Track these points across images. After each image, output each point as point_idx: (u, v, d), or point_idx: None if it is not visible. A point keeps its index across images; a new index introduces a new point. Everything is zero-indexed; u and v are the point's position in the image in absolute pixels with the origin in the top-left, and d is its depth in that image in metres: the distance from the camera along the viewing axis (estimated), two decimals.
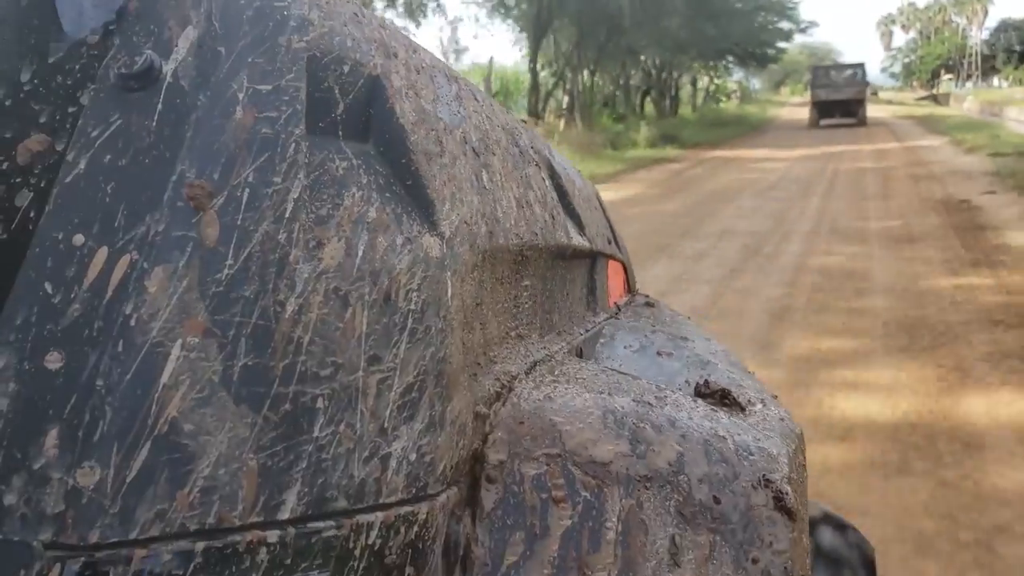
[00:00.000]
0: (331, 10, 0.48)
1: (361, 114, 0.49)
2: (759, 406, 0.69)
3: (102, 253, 0.38)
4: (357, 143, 0.48)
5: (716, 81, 39.59)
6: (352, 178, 0.46)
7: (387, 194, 0.48)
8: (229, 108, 0.41)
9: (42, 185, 0.41)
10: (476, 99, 0.67)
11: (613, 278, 1.11)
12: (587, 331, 0.88)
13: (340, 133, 0.47)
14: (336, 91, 0.47)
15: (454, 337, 0.50)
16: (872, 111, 31.63)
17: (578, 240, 0.84)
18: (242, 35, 0.43)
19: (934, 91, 58.52)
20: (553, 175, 0.84)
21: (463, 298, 0.52)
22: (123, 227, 0.38)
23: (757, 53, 30.84)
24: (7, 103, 0.43)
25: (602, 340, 0.92)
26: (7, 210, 0.41)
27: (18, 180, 0.41)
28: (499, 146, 0.67)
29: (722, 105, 39.92)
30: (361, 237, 0.45)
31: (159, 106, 0.41)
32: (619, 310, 1.09)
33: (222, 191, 0.40)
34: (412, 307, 0.46)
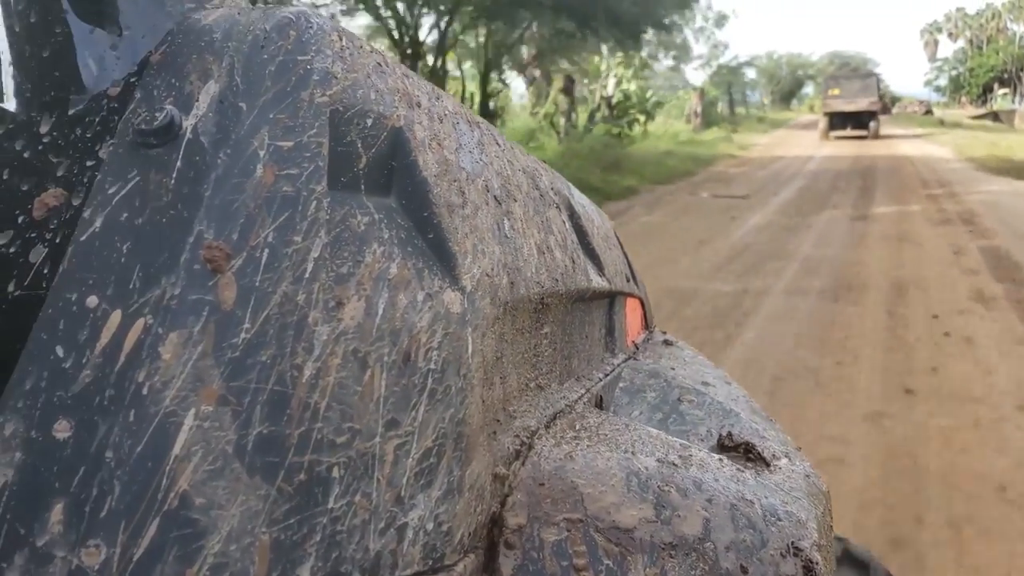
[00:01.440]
0: (354, 62, 0.49)
1: (383, 167, 0.49)
2: (784, 461, 0.69)
3: (116, 316, 0.38)
4: (379, 197, 0.49)
5: (626, 78, 20.85)
6: (373, 234, 0.46)
7: (408, 248, 0.48)
8: (250, 166, 0.42)
9: (57, 241, 0.42)
10: (498, 143, 0.68)
11: (631, 315, 1.11)
12: (606, 375, 0.88)
13: (362, 187, 0.47)
14: (359, 145, 0.47)
15: (474, 396, 0.50)
16: (925, 146, 23.30)
17: (598, 281, 0.84)
18: (264, 90, 0.44)
19: (991, 107, 49.73)
20: (573, 215, 0.84)
21: (484, 354, 0.52)
22: (138, 289, 0.39)
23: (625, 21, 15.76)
24: (25, 155, 0.44)
25: (622, 384, 0.92)
26: (21, 266, 0.42)
27: (33, 235, 0.42)
28: (520, 191, 0.68)
29: (648, 133, 22.21)
30: (382, 295, 0.45)
31: (178, 163, 0.41)
32: (637, 349, 1.09)
33: (241, 252, 0.40)
34: (432, 367, 0.46)
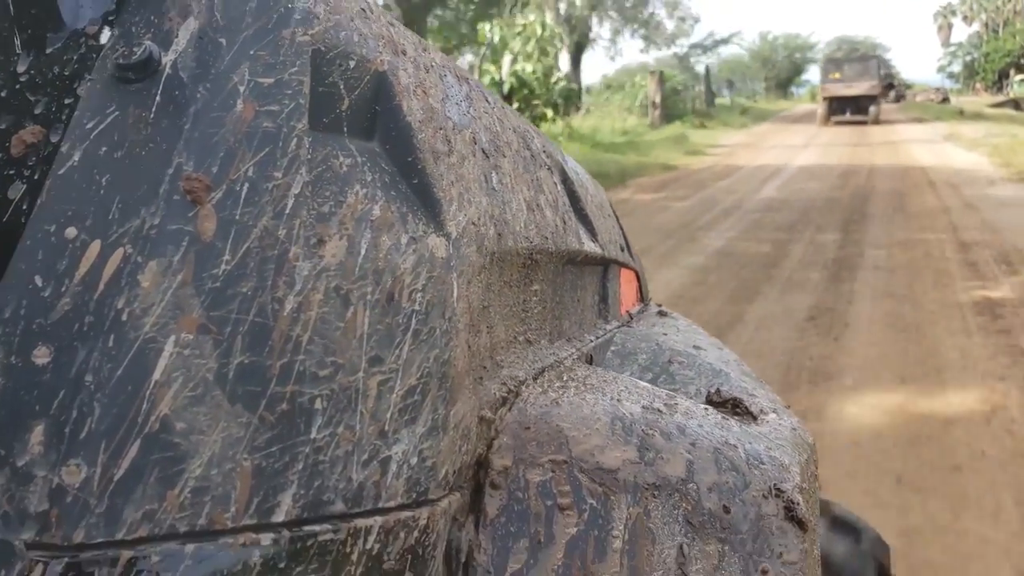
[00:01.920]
0: (338, 5, 0.50)
1: (367, 111, 0.50)
2: (771, 415, 0.70)
3: (95, 246, 0.39)
4: (362, 140, 0.49)
5: (525, 56, 15.44)
6: (356, 175, 0.47)
7: (392, 192, 0.49)
8: (229, 101, 0.42)
9: (35, 177, 0.43)
10: (487, 101, 0.69)
11: (626, 287, 1.13)
12: (598, 338, 0.88)
13: (345, 130, 0.48)
14: (341, 87, 0.48)
15: (459, 339, 0.50)
16: (947, 149, 16.83)
17: (590, 246, 0.85)
18: (244, 27, 0.45)
19: (1009, 94, 44.92)
20: (565, 180, 0.85)
21: (469, 300, 0.53)
22: (117, 220, 0.39)
23: None
24: (2, 94, 0.44)
25: (613, 348, 0.93)
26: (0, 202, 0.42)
27: (11, 172, 0.43)
28: (510, 148, 0.68)
29: (574, 131, 16.94)
30: (364, 235, 0.46)
31: (157, 98, 0.42)
32: (631, 318, 1.10)
33: (220, 185, 0.41)
34: (416, 308, 0.47)
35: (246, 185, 0.41)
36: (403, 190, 0.50)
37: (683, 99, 29.61)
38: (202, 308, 0.39)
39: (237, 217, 0.41)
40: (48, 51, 0.44)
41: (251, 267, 0.41)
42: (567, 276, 0.81)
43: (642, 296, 1.25)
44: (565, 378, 0.65)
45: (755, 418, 0.68)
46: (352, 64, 0.49)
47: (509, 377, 0.60)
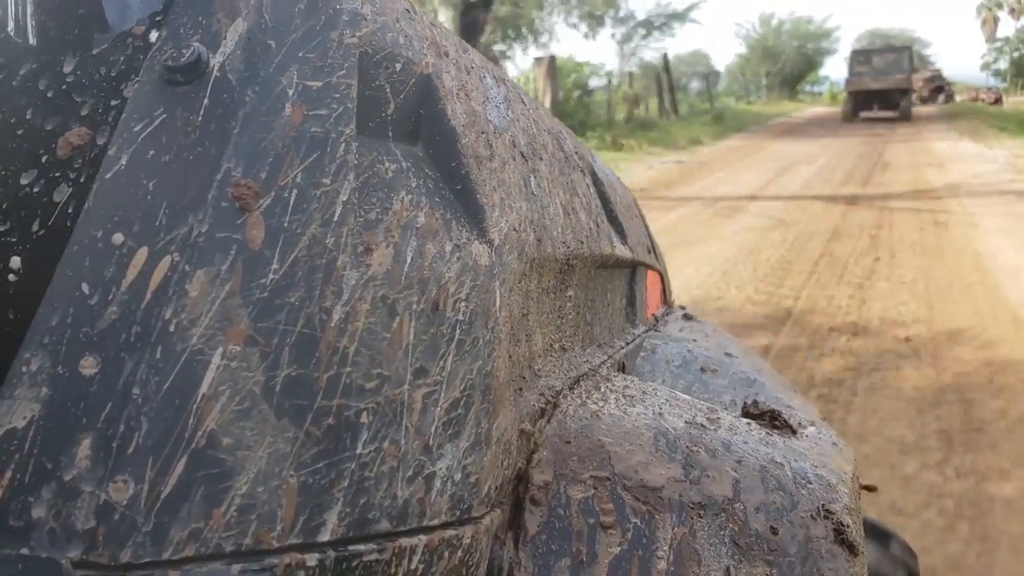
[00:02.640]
0: (384, 5, 0.49)
1: (411, 115, 0.50)
2: (810, 429, 0.69)
3: (142, 253, 0.39)
4: (407, 145, 0.49)
5: None
6: (401, 181, 0.46)
7: (436, 199, 0.48)
8: (278, 104, 0.42)
9: (82, 180, 0.42)
10: (523, 102, 0.68)
11: (651, 288, 1.12)
12: (627, 344, 0.88)
13: (390, 134, 0.48)
14: (387, 90, 0.48)
15: (501, 350, 0.50)
16: None
17: (621, 249, 0.85)
18: (293, 28, 0.44)
19: None
20: (596, 181, 0.85)
21: (511, 309, 0.53)
22: (165, 227, 0.39)
23: None
24: (49, 95, 0.44)
25: (643, 354, 0.92)
26: (45, 205, 0.42)
27: (57, 174, 0.43)
28: (546, 151, 0.68)
29: None
30: (410, 243, 0.45)
31: (205, 100, 0.42)
32: (657, 322, 1.09)
33: (269, 192, 0.41)
34: (460, 317, 0.47)
35: (295, 192, 0.41)
36: (446, 196, 0.50)
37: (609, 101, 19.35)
38: (249, 319, 0.39)
39: (285, 225, 0.41)
40: (95, 52, 0.44)
41: (299, 276, 0.40)
42: (598, 281, 0.80)
43: (665, 298, 1.25)
44: (603, 388, 0.65)
45: (794, 432, 0.67)
46: (398, 67, 0.48)
47: (547, 387, 0.60)
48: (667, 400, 0.65)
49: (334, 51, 0.45)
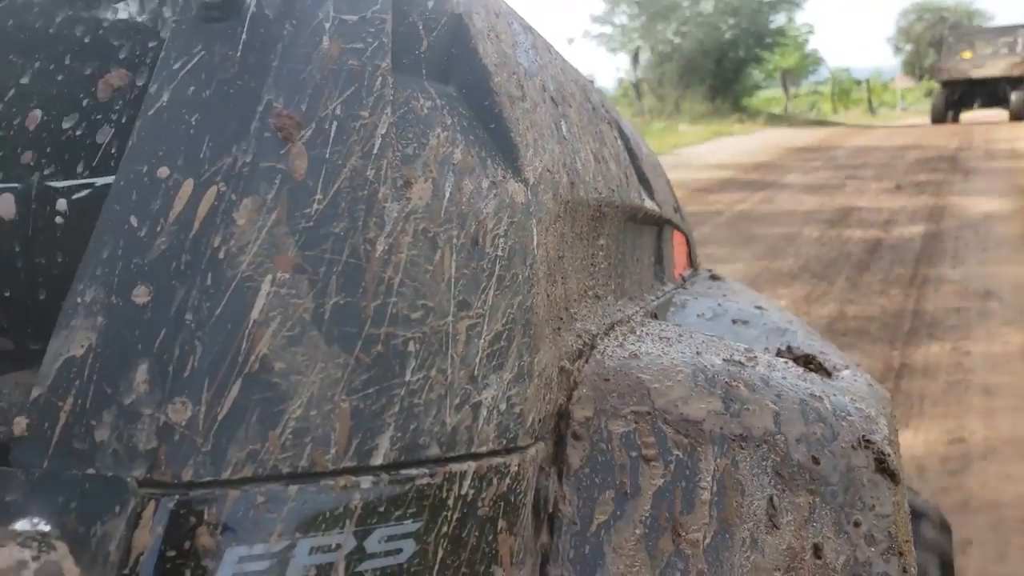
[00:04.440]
0: None
1: (444, 53, 0.51)
2: (846, 372, 0.70)
3: (188, 185, 0.40)
4: (439, 83, 0.50)
5: None
6: (437, 118, 0.47)
7: (471, 136, 0.49)
8: (315, 38, 0.43)
9: (123, 121, 0.43)
10: (550, 51, 0.69)
11: (677, 248, 1.13)
12: (658, 299, 0.89)
13: (423, 72, 0.49)
14: (420, 27, 0.49)
15: (539, 287, 0.51)
16: None
17: (649, 203, 0.86)
18: None
19: None
20: (623, 136, 0.85)
21: (547, 248, 0.54)
22: (209, 159, 0.40)
23: None
24: (86, 40, 0.45)
25: (674, 307, 0.93)
26: (88, 147, 0.43)
27: (99, 116, 0.44)
28: (574, 100, 0.69)
29: None
30: (448, 178, 0.46)
31: (244, 35, 0.43)
32: (684, 281, 1.11)
33: (310, 123, 0.41)
34: (499, 253, 0.48)
35: (335, 123, 0.42)
36: (481, 135, 0.51)
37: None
38: (297, 248, 0.40)
39: (327, 156, 0.42)
40: None
41: (342, 207, 0.41)
42: (628, 234, 0.81)
43: (691, 260, 1.26)
44: (639, 332, 0.66)
45: (829, 374, 0.68)
46: (431, 4, 0.49)
47: (583, 330, 0.61)
48: (704, 341, 0.66)
49: None
